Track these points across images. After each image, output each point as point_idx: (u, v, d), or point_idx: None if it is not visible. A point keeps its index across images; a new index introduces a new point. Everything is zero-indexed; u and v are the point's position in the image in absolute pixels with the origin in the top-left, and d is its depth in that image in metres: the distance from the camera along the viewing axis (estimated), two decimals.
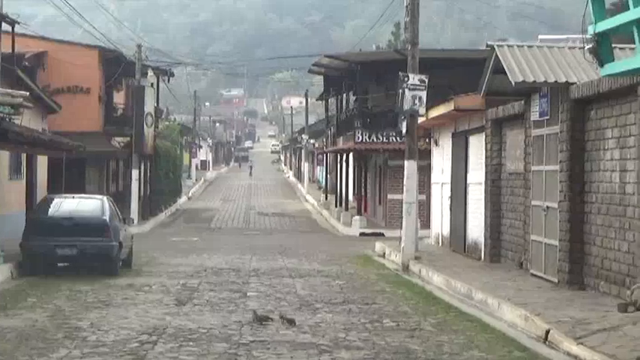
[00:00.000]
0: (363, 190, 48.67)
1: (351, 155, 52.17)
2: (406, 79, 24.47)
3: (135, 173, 44.55)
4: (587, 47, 9.82)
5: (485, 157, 23.52)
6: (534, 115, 19.21)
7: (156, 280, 20.61)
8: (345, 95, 51.06)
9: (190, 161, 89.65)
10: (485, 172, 23.52)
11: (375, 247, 31.75)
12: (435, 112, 26.01)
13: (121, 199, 49.93)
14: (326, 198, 60.02)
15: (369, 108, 44.47)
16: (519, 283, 18.39)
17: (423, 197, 35.21)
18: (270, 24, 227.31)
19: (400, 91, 24.54)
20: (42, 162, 34.16)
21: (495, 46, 18.35)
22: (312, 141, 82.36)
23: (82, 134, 42.95)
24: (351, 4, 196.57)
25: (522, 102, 20.21)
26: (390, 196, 43.76)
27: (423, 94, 24.44)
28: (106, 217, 21.74)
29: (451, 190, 27.70)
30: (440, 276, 20.41)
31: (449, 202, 27.89)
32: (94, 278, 20.47)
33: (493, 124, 23.07)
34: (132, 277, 21.27)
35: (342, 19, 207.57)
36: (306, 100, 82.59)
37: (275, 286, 19.50)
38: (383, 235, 40.82)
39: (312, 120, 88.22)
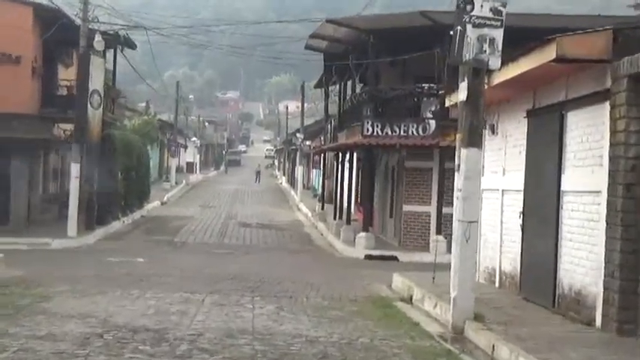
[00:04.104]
0: (369, 198, 38.21)
1: (355, 155, 41.77)
2: (468, 7, 14.10)
3: (75, 169, 33.51)
4: None
5: (611, 146, 13.18)
6: None
7: None
8: (350, 79, 40.64)
9: (169, 161, 79.15)
10: (609, 172, 13.20)
11: (392, 281, 21.65)
12: (513, 71, 15.46)
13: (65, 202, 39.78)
14: (322, 207, 49.63)
15: (382, 92, 34.10)
16: None
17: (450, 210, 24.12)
18: (270, 24, 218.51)
19: (458, 29, 14.17)
20: None
21: None
22: (307, 142, 71.88)
23: (6, 116, 33.03)
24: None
25: None
26: (406, 208, 33.67)
27: (498, 35, 14.04)
28: None
29: (524, 203, 17.39)
30: None
31: (519, 220, 17.61)
32: None
33: (631, 84, 12.75)
34: None
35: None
36: (302, 91, 71.66)
37: None
38: (396, 259, 31.08)
39: (309, 123, 77.56)
